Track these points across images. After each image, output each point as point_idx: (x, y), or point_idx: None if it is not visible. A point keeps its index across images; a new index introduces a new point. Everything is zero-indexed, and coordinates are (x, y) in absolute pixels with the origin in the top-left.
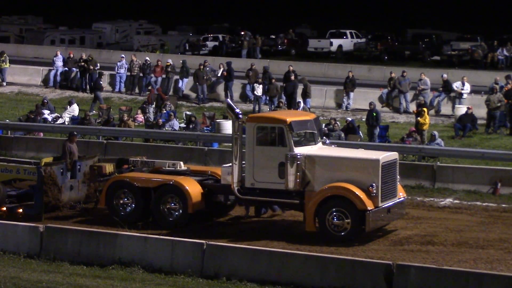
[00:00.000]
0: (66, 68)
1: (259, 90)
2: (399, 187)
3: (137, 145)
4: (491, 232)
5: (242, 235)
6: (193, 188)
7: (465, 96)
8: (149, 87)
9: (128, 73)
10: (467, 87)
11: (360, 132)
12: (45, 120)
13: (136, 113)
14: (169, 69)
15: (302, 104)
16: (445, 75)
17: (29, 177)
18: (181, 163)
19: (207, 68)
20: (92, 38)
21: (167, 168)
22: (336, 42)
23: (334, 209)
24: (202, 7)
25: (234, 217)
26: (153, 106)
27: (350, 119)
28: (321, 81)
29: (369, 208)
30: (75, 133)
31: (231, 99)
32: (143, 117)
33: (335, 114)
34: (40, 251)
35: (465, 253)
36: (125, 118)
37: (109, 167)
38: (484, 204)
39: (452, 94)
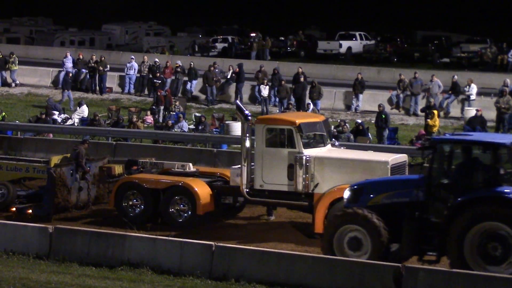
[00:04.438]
0: (76, 69)
1: (265, 91)
2: None
3: (146, 147)
4: None
5: (251, 236)
6: (202, 190)
7: (472, 98)
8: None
9: (138, 75)
10: (473, 89)
11: (369, 134)
12: (55, 121)
13: (145, 114)
14: (178, 70)
15: (311, 106)
16: (455, 77)
17: (39, 176)
18: (190, 164)
19: (216, 70)
20: (102, 39)
21: (176, 169)
22: (345, 44)
23: None
24: (211, 8)
25: (243, 219)
26: (162, 107)
27: (359, 121)
28: (330, 83)
29: None
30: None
31: (241, 100)
32: (152, 119)
33: (344, 116)
34: (49, 252)
35: None
36: (134, 119)
37: (118, 169)
38: None
39: (461, 96)
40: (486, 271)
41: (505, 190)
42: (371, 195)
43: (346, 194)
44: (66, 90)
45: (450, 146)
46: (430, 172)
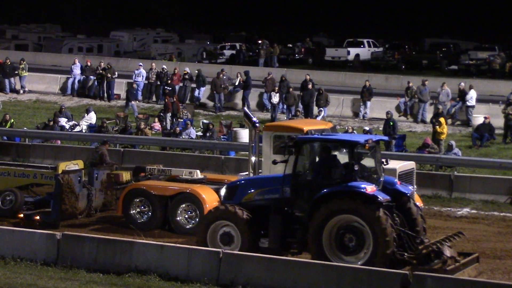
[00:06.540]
0: (84, 76)
1: (275, 98)
2: (416, 196)
3: (154, 153)
4: (509, 242)
5: None
6: (210, 197)
7: (471, 103)
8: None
9: (146, 82)
10: (470, 94)
11: None
12: (63, 127)
13: (153, 121)
14: (186, 77)
15: (322, 113)
16: (462, 84)
17: (47, 182)
18: (198, 171)
19: (224, 77)
20: (110, 46)
21: (183, 176)
22: (353, 51)
23: None
24: (219, 15)
25: None
26: (170, 114)
27: (367, 128)
28: (338, 90)
29: None
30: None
31: (248, 107)
32: (160, 125)
33: (352, 123)
34: (56, 259)
35: (482, 263)
36: (142, 126)
37: (126, 175)
38: (501, 214)
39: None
40: (343, 262)
41: (360, 185)
42: (245, 193)
43: (223, 191)
44: (131, 101)
45: (311, 144)
46: (294, 170)
